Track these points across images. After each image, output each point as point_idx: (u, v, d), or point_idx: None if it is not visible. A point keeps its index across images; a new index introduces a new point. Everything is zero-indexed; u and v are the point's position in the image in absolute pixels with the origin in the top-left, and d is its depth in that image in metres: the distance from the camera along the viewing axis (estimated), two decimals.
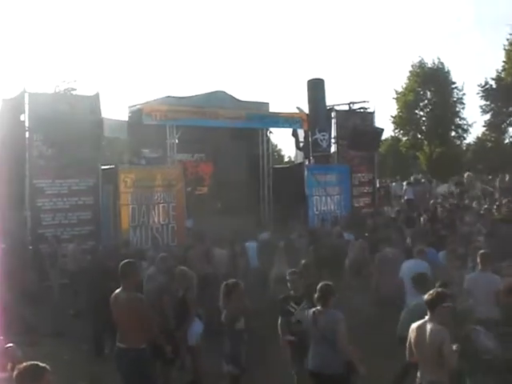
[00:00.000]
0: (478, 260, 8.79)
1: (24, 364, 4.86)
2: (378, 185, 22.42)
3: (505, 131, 39.69)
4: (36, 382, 4.69)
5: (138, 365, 6.50)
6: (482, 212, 16.96)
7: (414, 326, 5.98)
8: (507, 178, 26.36)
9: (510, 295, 7.14)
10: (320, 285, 6.74)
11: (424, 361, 5.88)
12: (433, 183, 28.87)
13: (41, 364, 4.81)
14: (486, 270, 8.67)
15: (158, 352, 8.02)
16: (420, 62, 40.65)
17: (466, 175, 29.63)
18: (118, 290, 6.67)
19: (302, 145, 19.59)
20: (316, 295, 6.68)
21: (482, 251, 9.01)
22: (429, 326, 5.76)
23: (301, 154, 19.99)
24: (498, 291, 8.16)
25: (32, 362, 4.84)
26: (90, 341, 9.81)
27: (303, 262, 9.83)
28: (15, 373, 4.81)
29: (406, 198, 24.25)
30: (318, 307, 6.64)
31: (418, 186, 26.42)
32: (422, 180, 30.18)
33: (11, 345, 8.80)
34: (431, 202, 23.39)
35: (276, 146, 45.51)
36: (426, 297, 5.94)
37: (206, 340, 8.48)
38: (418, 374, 6.02)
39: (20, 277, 11.04)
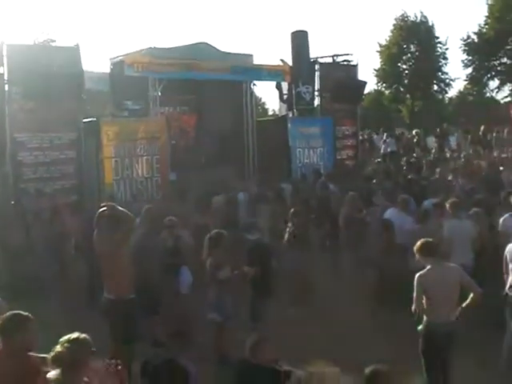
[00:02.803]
0: (449, 208, 9.06)
1: (6, 314, 4.90)
2: (360, 137, 22.52)
3: (485, 85, 39.84)
4: (19, 332, 4.70)
5: (125, 314, 6.58)
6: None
7: (425, 273, 6.32)
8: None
9: None
10: None
11: (444, 301, 6.25)
12: (419, 135, 28.99)
13: (23, 313, 4.83)
14: (458, 217, 8.99)
15: (142, 303, 8.19)
16: (403, 15, 40.44)
17: (444, 126, 29.87)
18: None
19: (285, 97, 19.47)
20: None
21: (451, 200, 9.29)
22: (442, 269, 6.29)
23: (284, 106, 19.85)
24: (473, 238, 8.53)
25: (14, 312, 4.85)
26: (74, 295, 9.92)
27: (292, 210, 10.00)
28: None
29: (389, 150, 24.47)
30: None
31: (402, 139, 26.70)
32: (405, 133, 30.46)
33: None
34: (414, 154, 23.73)
35: (260, 99, 45.30)
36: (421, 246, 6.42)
37: (197, 290, 8.63)
38: (429, 319, 6.30)
39: (2, 232, 11.03)
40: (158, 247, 8.68)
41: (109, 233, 6.59)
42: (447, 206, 9.28)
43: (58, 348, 4.20)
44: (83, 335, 4.33)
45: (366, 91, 23.82)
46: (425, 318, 6.37)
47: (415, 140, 28.21)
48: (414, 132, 29.55)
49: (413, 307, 6.34)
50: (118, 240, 6.54)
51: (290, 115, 19.00)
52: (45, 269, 10.88)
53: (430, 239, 6.63)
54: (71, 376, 4.18)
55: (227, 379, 5.76)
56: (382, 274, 8.81)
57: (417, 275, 6.32)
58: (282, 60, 18.84)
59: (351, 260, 10.56)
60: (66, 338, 4.28)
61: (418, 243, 6.50)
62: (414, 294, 6.29)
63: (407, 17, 40.24)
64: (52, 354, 4.20)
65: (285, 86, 19.25)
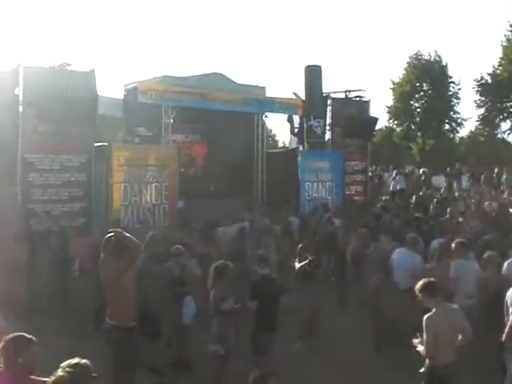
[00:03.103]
0: (455, 248, 9.01)
1: (10, 335, 4.87)
2: (370, 174, 22.54)
3: (497, 126, 39.88)
4: (22, 354, 4.70)
5: (126, 341, 6.52)
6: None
7: (433, 315, 6.22)
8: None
9: None
10: None
11: (449, 344, 6.15)
12: (426, 174, 29.05)
13: (27, 335, 4.81)
14: (465, 257, 9.04)
15: (143, 328, 8.11)
16: (417, 53, 40.74)
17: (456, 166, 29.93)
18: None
19: (296, 131, 19.57)
20: None
21: (458, 240, 9.24)
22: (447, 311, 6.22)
23: (295, 139, 19.97)
24: (478, 279, 8.48)
25: (18, 333, 4.84)
26: (76, 318, 9.87)
27: (301, 245, 9.97)
28: (1, 344, 4.82)
29: (398, 187, 24.46)
30: None
31: (412, 177, 26.72)
32: (416, 171, 30.51)
33: None
34: (421, 193, 23.69)
35: (271, 130, 45.53)
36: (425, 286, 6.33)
37: (201, 321, 8.54)
38: (433, 362, 6.19)
39: (9, 250, 11.01)
40: (161, 273, 8.62)
41: (114, 259, 6.53)
42: (453, 245, 9.22)
43: (60, 372, 4.15)
44: (84, 360, 4.28)
45: (377, 127, 23.93)
46: (427, 360, 6.26)
47: (422, 178, 28.21)
48: (421, 171, 29.55)
49: (422, 350, 6.23)
50: (123, 267, 6.48)
51: (301, 148, 19.06)
52: (48, 289, 10.89)
53: (433, 279, 6.55)
54: None
55: None
56: (376, 314, 8.69)
57: (425, 318, 6.22)
58: (294, 93, 19.00)
59: (357, 296, 10.47)
60: (67, 362, 4.23)
61: (421, 283, 6.43)
62: (425, 337, 6.17)
63: (421, 55, 40.58)
64: (53, 378, 4.15)
65: (296, 119, 19.37)
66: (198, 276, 9.17)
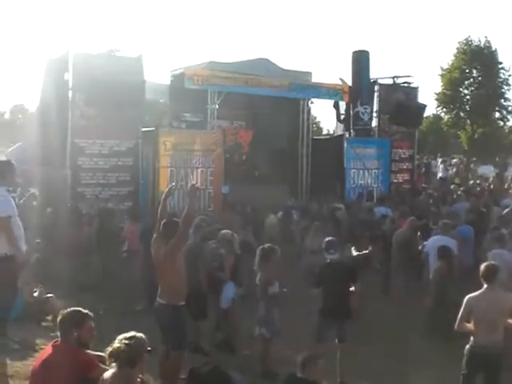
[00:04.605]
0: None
1: (67, 309, 5.02)
2: (417, 162, 22.20)
3: None
4: (78, 327, 4.87)
5: (175, 320, 6.63)
6: None
7: (475, 295, 6.31)
8: None
9: None
10: None
11: (488, 325, 6.19)
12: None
13: (83, 310, 4.97)
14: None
15: (190, 308, 8.21)
16: (467, 39, 39.73)
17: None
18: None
19: (342, 117, 19.38)
20: None
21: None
22: (494, 294, 6.23)
23: (341, 126, 19.76)
24: None
25: (75, 308, 5.00)
26: (124, 298, 10.06)
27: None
28: (59, 318, 4.98)
29: (440, 176, 24.21)
30: None
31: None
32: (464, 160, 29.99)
33: (51, 295, 9.14)
34: (471, 182, 23.27)
35: (315, 117, 45.19)
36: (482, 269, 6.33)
37: (245, 304, 8.58)
38: (473, 341, 6.26)
39: (60, 232, 11.29)
40: (209, 256, 8.72)
41: (165, 240, 6.69)
42: None
43: (116, 344, 4.28)
44: (140, 334, 4.38)
45: (424, 115, 23.50)
46: (471, 338, 6.32)
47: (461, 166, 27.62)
48: (457, 159, 28.88)
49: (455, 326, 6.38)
50: (173, 247, 6.61)
51: (347, 135, 18.86)
52: (96, 270, 11.13)
53: (494, 263, 6.56)
54: (127, 372, 4.24)
55: None
56: (437, 301, 8.56)
57: (467, 296, 6.33)
58: (341, 79, 18.80)
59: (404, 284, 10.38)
60: (123, 335, 4.35)
61: (482, 266, 6.44)
62: (459, 314, 6.32)
63: (471, 41, 39.58)
64: (110, 349, 4.29)
65: (342, 105, 19.17)
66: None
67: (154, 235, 6.95)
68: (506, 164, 28.02)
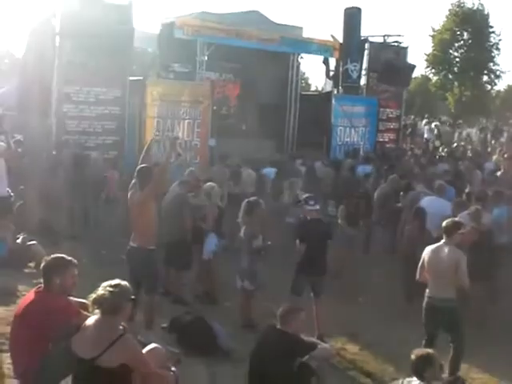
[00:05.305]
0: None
1: (51, 256, 5.04)
2: (403, 122, 22.27)
3: None
4: (61, 274, 4.88)
5: (147, 263, 6.77)
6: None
7: (430, 248, 6.61)
8: None
9: None
10: None
11: (437, 280, 6.44)
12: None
13: (67, 257, 4.98)
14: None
15: (173, 258, 8.31)
16: (459, 1, 39.31)
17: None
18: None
19: (332, 74, 19.28)
20: None
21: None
22: (446, 248, 6.42)
23: (330, 83, 19.68)
24: None
25: (59, 255, 5.01)
26: (103, 245, 10.17)
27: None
28: (42, 264, 5.00)
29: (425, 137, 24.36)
30: None
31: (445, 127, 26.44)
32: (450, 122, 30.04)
33: (34, 242, 9.17)
34: (454, 144, 23.42)
35: (304, 73, 44.74)
36: (443, 224, 6.56)
37: (228, 256, 8.69)
38: (427, 292, 6.54)
39: (42, 181, 11.24)
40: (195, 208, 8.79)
41: (140, 186, 6.85)
42: None
43: (100, 291, 4.29)
44: (125, 282, 4.42)
45: (413, 75, 23.44)
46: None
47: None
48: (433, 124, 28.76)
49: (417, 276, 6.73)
50: (147, 192, 6.75)
51: (335, 92, 18.80)
52: (75, 217, 11.18)
53: (461, 220, 6.88)
54: (110, 319, 4.27)
55: (251, 341, 5.80)
56: (407, 261, 8.67)
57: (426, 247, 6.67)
58: (332, 36, 18.66)
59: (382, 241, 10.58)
60: (108, 282, 4.36)
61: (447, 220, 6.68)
62: (419, 264, 6.68)
63: (463, 3, 39.17)
64: (93, 295, 4.30)
65: (332, 62, 19.09)
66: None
67: (132, 181, 7.09)
68: (501, 130, 28.11)
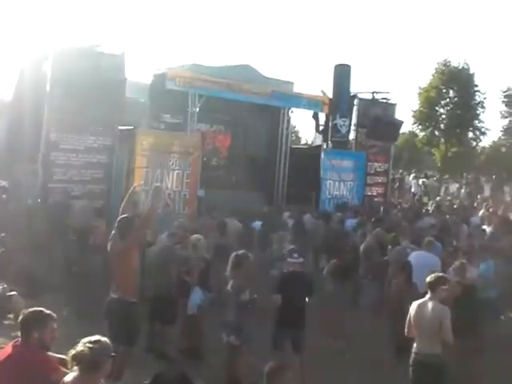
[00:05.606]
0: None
1: (29, 309, 4.85)
2: (391, 176, 22.45)
3: None
4: (40, 328, 4.68)
5: (127, 317, 6.59)
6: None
7: (417, 303, 6.57)
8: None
9: None
10: None
11: (422, 335, 6.40)
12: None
13: (45, 310, 4.79)
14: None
15: (158, 313, 8.09)
16: (445, 60, 40.30)
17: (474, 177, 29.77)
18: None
19: (321, 128, 19.53)
20: None
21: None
22: (430, 304, 6.39)
23: (319, 137, 19.93)
24: None
25: (37, 308, 4.82)
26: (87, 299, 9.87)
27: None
28: (20, 318, 4.81)
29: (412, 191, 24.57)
30: None
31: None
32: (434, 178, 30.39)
33: (14, 293, 8.91)
34: (438, 198, 23.61)
35: (294, 127, 45.22)
36: (427, 279, 6.56)
37: (214, 310, 8.48)
38: (414, 348, 6.48)
39: (26, 230, 11.04)
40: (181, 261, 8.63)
41: (121, 237, 6.76)
42: None
43: (80, 347, 4.14)
44: (105, 338, 4.25)
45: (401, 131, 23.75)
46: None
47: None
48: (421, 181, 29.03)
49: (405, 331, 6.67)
50: (128, 244, 6.67)
51: (325, 146, 18.97)
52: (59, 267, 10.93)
53: (445, 275, 6.86)
54: (89, 376, 4.11)
55: None
56: (394, 315, 8.53)
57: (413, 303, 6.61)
58: (322, 91, 18.92)
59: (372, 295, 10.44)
60: (88, 338, 4.21)
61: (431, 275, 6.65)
62: (407, 320, 6.62)
63: (449, 62, 40.15)
64: (73, 351, 4.14)
65: (322, 116, 19.35)
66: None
67: (113, 232, 6.98)
68: (482, 186, 28.50)
